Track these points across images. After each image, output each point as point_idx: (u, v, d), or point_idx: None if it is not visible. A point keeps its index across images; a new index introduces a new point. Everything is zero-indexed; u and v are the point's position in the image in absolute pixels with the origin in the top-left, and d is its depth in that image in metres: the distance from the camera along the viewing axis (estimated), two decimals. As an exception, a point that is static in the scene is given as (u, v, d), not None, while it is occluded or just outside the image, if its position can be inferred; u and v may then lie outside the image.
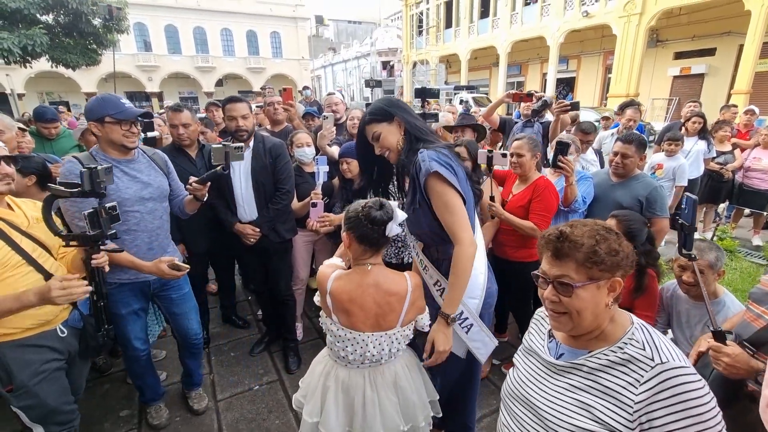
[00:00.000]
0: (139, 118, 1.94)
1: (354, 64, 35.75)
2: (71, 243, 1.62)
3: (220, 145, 2.01)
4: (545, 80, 19.40)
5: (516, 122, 4.02)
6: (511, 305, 2.86)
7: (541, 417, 0.97)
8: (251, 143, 2.59)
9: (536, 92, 3.67)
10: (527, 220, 2.42)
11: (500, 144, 3.95)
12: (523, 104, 4.06)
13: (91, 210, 1.57)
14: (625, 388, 0.87)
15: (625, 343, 0.91)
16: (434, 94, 3.28)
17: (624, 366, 0.89)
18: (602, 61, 18.13)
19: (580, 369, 0.95)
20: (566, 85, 19.95)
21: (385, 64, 31.67)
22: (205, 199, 2.13)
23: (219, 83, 32.48)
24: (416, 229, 1.64)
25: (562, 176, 2.67)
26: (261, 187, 2.61)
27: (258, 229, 2.63)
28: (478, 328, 1.59)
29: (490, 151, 2.38)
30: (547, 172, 2.81)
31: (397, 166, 1.59)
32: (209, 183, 2.07)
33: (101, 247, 1.64)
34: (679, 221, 1.62)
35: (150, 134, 3.19)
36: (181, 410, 2.47)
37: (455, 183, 1.46)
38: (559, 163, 2.40)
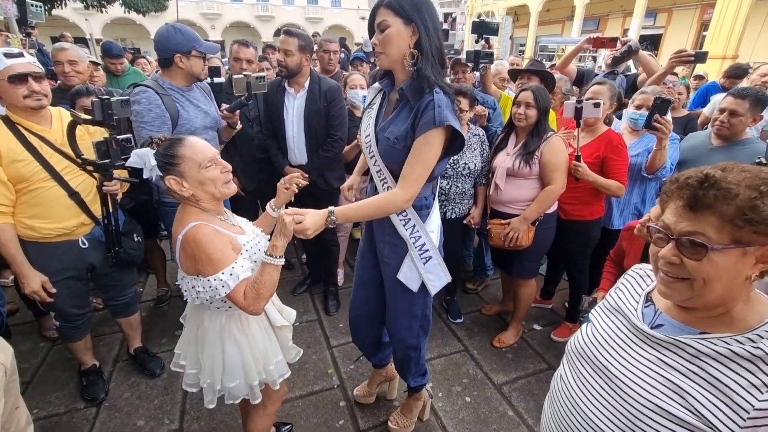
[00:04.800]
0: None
1: (414, 15, 34.05)
2: (87, 167, 1.77)
3: (242, 76, 2.04)
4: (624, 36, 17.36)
5: (596, 74, 3.61)
6: (567, 267, 2.70)
7: (616, 386, 0.83)
8: (306, 83, 2.52)
9: (622, 38, 3.20)
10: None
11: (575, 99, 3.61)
12: (607, 52, 3.59)
13: (101, 140, 1.64)
14: (744, 388, 0.69)
15: (761, 336, 0.71)
16: (493, 30, 2.91)
17: (751, 363, 0.70)
18: (698, 16, 15.78)
19: (682, 349, 0.77)
20: (650, 43, 17.74)
21: (447, 16, 29.84)
22: (238, 126, 2.28)
23: (277, 33, 32.44)
24: (392, 164, 1.47)
25: (643, 137, 2.38)
26: (313, 132, 2.57)
27: (307, 175, 2.63)
28: (436, 261, 1.58)
29: (579, 101, 2.10)
30: (622, 129, 2.51)
31: (406, 87, 1.36)
32: (238, 111, 2.18)
33: (114, 176, 1.77)
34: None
35: (217, 80, 3.25)
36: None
37: (459, 134, 1.35)
38: (655, 124, 2.01)
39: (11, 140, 1.67)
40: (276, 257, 1.28)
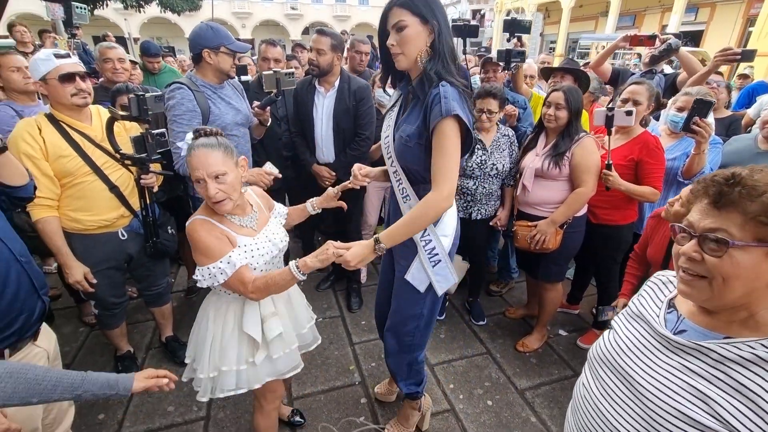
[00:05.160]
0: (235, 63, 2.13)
1: (442, 12, 33.79)
2: (126, 162, 1.87)
3: (271, 72, 2.10)
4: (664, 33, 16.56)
5: (632, 74, 3.47)
6: (596, 272, 2.63)
7: (638, 392, 0.82)
8: (336, 82, 2.55)
9: (662, 35, 3.05)
10: (626, 179, 2.11)
11: (609, 100, 3.46)
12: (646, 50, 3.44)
13: (138, 135, 1.72)
14: None
15: None
16: (525, 28, 2.85)
17: None
18: (744, 10, 14.93)
19: (706, 354, 0.76)
20: (690, 40, 16.90)
21: (475, 13, 29.41)
22: (268, 123, 2.35)
23: (305, 31, 32.86)
24: (405, 163, 1.47)
25: (682, 140, 2.27)
26: (341, 130, 2.59)
27: (334, 173, 2.66)
28: (444, 264, 1.58)
29: (610, 109, 2.01)
30: (660, 131, 2.41)
31: (416, 85, 1.37)
32: (268, 108, 2.25)
33: (150, 169, 1.86)
34: None
35: (244, 78, 3.32)
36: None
37: (471, 128, 1.34)
38: (694, 126, 1.89)
39: (56, 137, 1.77)
40: (301, 273, 1.31)
